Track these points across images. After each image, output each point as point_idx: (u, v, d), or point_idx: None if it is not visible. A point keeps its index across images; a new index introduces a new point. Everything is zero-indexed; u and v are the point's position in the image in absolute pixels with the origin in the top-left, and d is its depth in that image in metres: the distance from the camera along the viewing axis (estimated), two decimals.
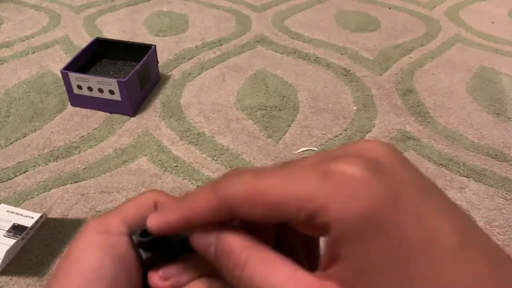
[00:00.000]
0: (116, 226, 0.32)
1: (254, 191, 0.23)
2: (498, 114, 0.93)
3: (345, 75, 1.02)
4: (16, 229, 0.65)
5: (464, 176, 0.78)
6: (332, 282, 0.20)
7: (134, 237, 0.31)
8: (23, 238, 0.64)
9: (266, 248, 0.24)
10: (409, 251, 0.18)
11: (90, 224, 0.33)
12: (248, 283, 0.23)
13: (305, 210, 0.21)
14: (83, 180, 0.76)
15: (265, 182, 0.22)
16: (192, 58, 1.08)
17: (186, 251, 0.33)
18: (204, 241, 0.27)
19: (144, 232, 0.31)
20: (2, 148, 0.82)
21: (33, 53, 1.10)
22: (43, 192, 0.73)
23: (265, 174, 0.23)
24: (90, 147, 0.82)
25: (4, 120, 0.89)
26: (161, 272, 0.31)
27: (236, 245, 0.25)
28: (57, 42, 1.14)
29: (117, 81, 0.84)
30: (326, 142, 0.84)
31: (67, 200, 0.72)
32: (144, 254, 0.31)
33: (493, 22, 1.26)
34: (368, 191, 0.19)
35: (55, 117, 0.90)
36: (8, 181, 0.75)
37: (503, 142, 0.86)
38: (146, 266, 0.32)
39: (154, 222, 0.31)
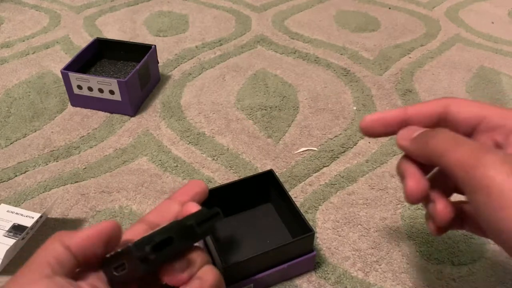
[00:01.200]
0: (39, 269, 0.29)
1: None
2: None
3: (345, 75, 1.03)
4: (16, 229, 0.65)
5: None
6: None
7: (134, 249, 0.32)
8: (23, 238, 0.64)
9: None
10: None
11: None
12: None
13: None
14: (83, 180, 0.76)
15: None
16: (192, 58, 1.08)
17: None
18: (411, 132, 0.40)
19: (156, 245, 0.33)
20: (2, 148, 0.82)
21: (33, 53, 1.10)
22: (43, 192, 0.73)
23: None
24: (90, 147, 0.82)
25: (4, 120, 0.89)
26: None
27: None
28: (57, 42, 1.14)
29: (117, 81, 0.85)
30: (326, 142, 0.84)
31: (67, 200, 0.72)
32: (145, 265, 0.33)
33: (493, 22, 1.26)
34: None
35: (55, 117, 0.90)
36: (8, 181, 0.76)
37: None
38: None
39: (368, 118, 0.42)
